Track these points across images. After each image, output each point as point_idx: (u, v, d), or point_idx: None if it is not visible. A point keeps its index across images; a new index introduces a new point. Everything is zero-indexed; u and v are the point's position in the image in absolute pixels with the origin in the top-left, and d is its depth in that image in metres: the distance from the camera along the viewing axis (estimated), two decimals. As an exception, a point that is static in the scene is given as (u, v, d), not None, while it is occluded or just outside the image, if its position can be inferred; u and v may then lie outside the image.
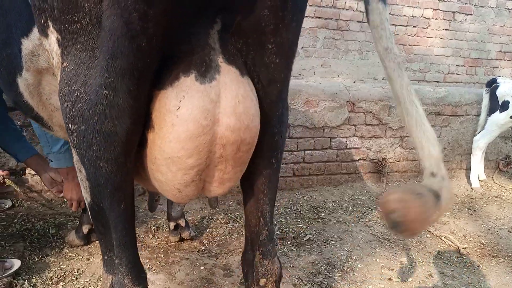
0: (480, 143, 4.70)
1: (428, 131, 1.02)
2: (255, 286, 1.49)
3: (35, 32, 1.21)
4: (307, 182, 4.33)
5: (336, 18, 5.22)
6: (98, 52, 1.04)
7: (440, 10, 5.90)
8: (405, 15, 5.76)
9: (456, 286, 2.68)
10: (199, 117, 1.08)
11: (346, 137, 4.36)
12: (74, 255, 2.69)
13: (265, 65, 1.18)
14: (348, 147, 4.38)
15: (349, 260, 2.91)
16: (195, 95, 1.07)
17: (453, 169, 5.00)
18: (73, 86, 1.10)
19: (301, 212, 3.71)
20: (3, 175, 3.18)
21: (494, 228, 3.68)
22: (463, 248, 3.17)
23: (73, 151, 1.20)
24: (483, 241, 3.38)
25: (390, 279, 2.70)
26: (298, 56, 4.94)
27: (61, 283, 2.39)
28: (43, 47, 1.21)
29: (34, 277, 2.40)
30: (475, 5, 6.03)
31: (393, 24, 5.73)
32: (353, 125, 4.36)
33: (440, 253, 3.13)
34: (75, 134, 1.14)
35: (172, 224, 2.93)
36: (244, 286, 2.43)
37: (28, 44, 1.29)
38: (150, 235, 3.06)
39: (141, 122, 1.13)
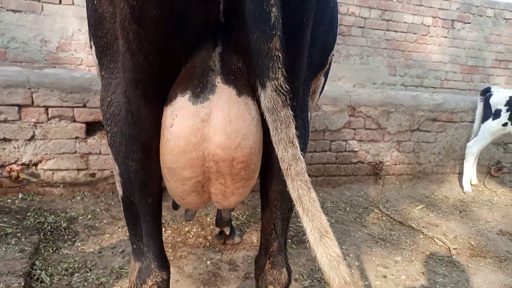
0: (473, 149, 4.85)
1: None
2: None
3: None
4: (307, 182, 4.46)
5: (339, 24, 5.37)
6: (120, 65, 1.21)
7: (440, 18, 6.05)
8: (405, 22, 5.90)
9: (446, 283, 2.85)
10: (188, 135, 1.18)
11: (346, 140, 4.51)
12: (86, 248, 2.83)
13: None
14: (347, 150, 4.54)
15: (347, 258, 3.06)
16: (186, 114, 1.17)
17: (447, 173, 5.16)
18: (108, 93, 1.28)
19: (301, 211, 3.85)
20: (17, 170, 3.33)
21: (484, 230, 3.86)
22: (453, 249, 3.35)
23: (109, 149, 1.36)
24: (472, 243, 3.56)
25: (385, 276, 2.86)
26: (300, 59, 5.06)
27: (76, 274, 2.52)
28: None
29: (50, 268, 2.53)
30: (473, 14, 6.19)
31: (394, 31, 5.89)
32: (353, 128, 4.51)
33: (432, 253, 3.30)
34: (109, 134, 1.31)
35: (217, 230, 3.09)
36: (248, 280, 2.58)
37: None
38: (157, 230, 3.20)
39: (155, 131, 1.25)
